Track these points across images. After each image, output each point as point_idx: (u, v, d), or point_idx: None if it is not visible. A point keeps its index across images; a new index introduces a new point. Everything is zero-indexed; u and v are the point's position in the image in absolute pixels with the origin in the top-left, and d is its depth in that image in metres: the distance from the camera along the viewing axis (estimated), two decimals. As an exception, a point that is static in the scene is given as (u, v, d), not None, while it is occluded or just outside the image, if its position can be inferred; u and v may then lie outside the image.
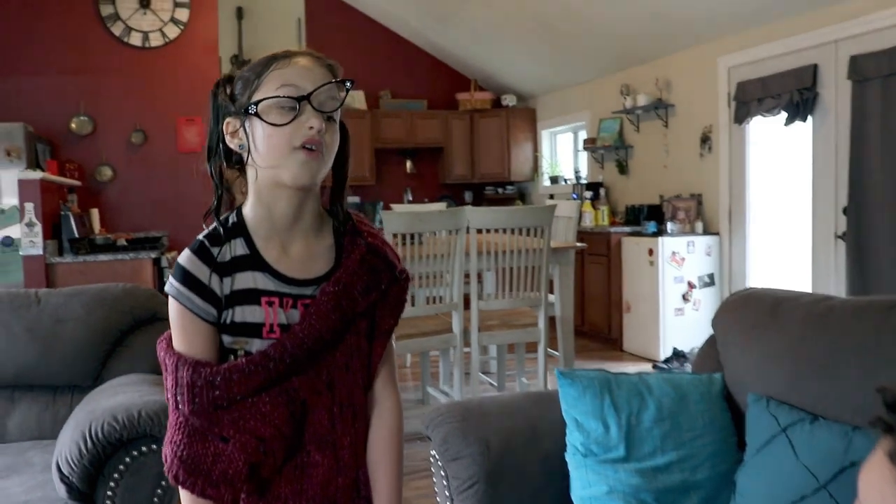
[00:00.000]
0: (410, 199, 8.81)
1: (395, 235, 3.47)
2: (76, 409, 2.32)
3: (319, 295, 1.19)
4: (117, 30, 6.38)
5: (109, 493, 2.06)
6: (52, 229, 5.19)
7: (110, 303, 2.72)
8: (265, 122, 1.15)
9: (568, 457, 1.75)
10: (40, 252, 4.93)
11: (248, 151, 1.19)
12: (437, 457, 1.87)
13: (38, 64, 6.35)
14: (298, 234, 1.23)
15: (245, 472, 1.16)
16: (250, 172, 1.22)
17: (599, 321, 6.39)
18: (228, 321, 1.19)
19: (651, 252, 5.53)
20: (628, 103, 6.44)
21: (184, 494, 1.19)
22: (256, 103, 1.16)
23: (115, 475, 2.07)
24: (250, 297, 1.19)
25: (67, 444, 2.08)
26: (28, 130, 5.66)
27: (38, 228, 4.87)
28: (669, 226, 5.70)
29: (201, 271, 1.20)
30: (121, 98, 6.54)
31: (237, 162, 1.25)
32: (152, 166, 6.64)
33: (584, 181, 7.34)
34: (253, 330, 1.19)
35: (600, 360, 5.85)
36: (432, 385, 4.67)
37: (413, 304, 3.59)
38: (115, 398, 2.21)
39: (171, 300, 1.21)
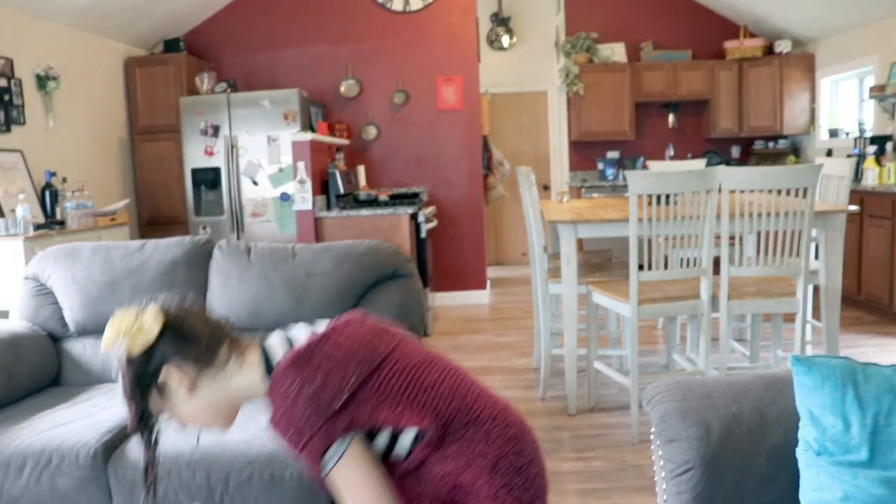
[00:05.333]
0: (672, 154, 8.44)
1: (639, 197, 3.32)
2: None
3: None
4: (381, -4, 6.73)
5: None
6: (322, 185, 5.64)
7: (355, 259, 2.91)
8: None
9: (799, 453, 1.57)
10: (310, 207, 5.38)
11: None
12: (654, 436, 1.78)
13: (312, 35, 6.90)
14: None
15: None
16: None
17: (879, 292, 5.69)
18: None
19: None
20: (928, 44, 5.59)
21: None
22: None
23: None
24: None
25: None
26: (302, 95, 6.19)
27: (309, 185, 5.31)
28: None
29: None
30: (384, 61, 6.91)
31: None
32: (413, 125, 6.97)
33: (867, 134, 6.52)
34: None
35: (874, 334, 5.24)
36: (679, 351, 4.47)
37: (652, 268, 3.43)
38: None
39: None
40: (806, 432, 1.57)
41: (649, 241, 3.43)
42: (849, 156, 6.49)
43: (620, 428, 3.65)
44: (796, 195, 3.43)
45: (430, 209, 6.31)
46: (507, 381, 4.50)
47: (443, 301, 6.98)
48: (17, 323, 3.04)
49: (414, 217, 5.75)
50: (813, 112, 7.77)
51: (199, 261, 3.04)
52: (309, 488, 2.15)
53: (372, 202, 5.88)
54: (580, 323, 4.61)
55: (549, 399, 4.13)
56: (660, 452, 1.76)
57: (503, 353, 5.14)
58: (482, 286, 7.08)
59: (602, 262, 4.60)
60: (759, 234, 3.74)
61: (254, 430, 2.30)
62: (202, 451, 2.21)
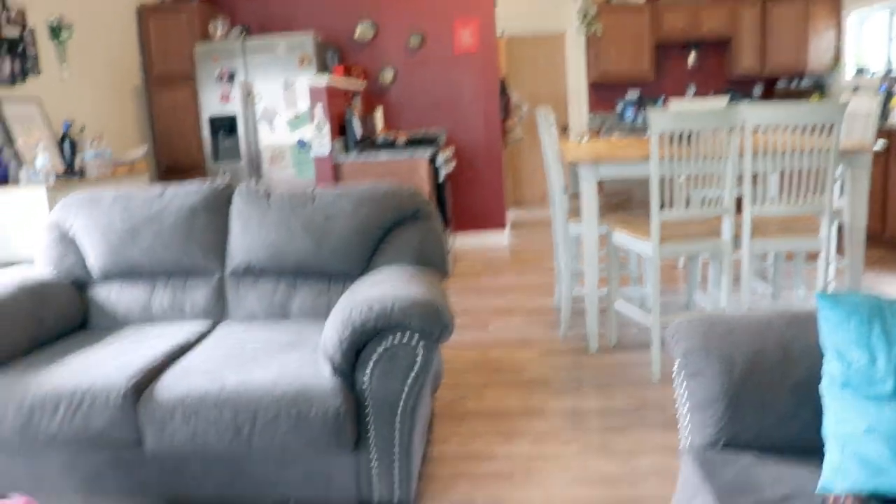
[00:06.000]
0: (694, 93, 8.31)
1: (661, 135, 3.28)
2: (341, 298, 2.53)
3: None
4: (396, -67, 6.59)
5: (366, 375, 2.24)
6: (339, 130, 5.60)
7: (374, 201, 2.90)
8: None
9: (822, 388, 1.57)
10: (328, 152, 5.36)
11: None
12: (677, 371, 1.78)
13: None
14: None
15: None
16: None
17: (904, 231, 5.63)
18: None
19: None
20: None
21: None
22: None
23: (371, 360, 2.23)
24: None
25: (331, 329, 2.28)
26: (317, 40, 6.10)
27: (326, 130, 5.28)
28: None
29: None
30: (399, 3, 6.80)
31: None
32: (430, 68, 6.88)
33: (896, 71, 6.37)
34: None
35: (900, 274, 5.19)
36: (700, 290, 4.46)
37: (674, 207, 3.40)
38: (374, 290, 2.36)
39: None
40: (830, 367, 1.56)
41: (670, 181, 3.39)
42: (875, 94, 6.35)
43: (641, 366, 3.67)
44: (821, 133, 3.37)
45: (449, 152, 6.27)
46: (528, 321, 4.52)
47: (462, 243, 7.00)
48: (42, 270, 3.07)
49: (432, 160, 5.72)
50: (838, 49, 7.58)
51: (219, 206, 3.05)
52: (335, 427, 2.18)
53: (390, 146, 5.85)
54: (600, 263, 4.60)
55: (570, 338, 4.15)
56: (683, 388, 1.76)
57: (524, 294, 5.16)
58: (501, 228, 7.07)
59: (622, 203, 4.57)
60: (782, 172, 3.69)
61: (278, 369, 2.33)
62: (229, 391, 2.25)
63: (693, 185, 4.41)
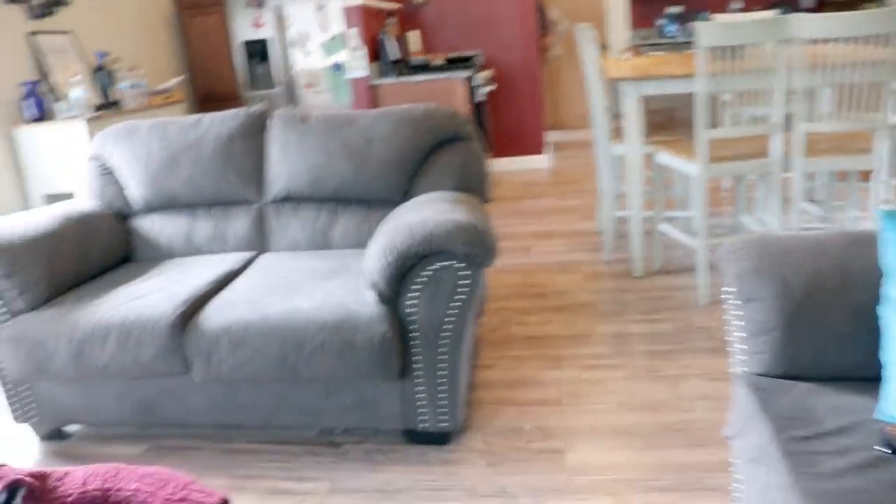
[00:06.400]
0: (740, 7, 7.97)
1: (708, 49, 3.13)
2: (382, 223, 2.51)
3: None
4: None
5: (410, 301, 2.23)
6: (374, 53, 5.49)
7: (413, 123, 2.84)
8: None
9: (881, 311, 1.51)
10: (364, 74, 5.27)
11: None
12: (730, 295, 1.73)
13: None
14: None
15: None
16: None
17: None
18: None
19: None
20: None
21: None
22: None
23: (416, 286, 2.22)
24: None
25: (374, 256, 2.26)
26: (349, -43, 5.91)
27: (362, 52, 5.18)
28: None
29: None
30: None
31: None
32: (465, -15, 6.65)
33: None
34: None
35: (958, 191, 5.00)
36: (748, 213, 4.35)
37: (721, 125, 3.28)
38: (416, 215, 2.33)
39: None
40: (891, 290, 1.50)
41: (717, 99, 3.26)
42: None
43: (687, 290, 3.62)
44: (877, 44, 3.19)
45: (486, 73, 6.12)
46: (570, 244, 4.47)
47: (502, 167, 6.90)
48: (85, 203, 3.09)
49: (469, 81, 5.59)
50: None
51: (256, 132, 3.02)
52: (381, 354, 2.19)
53: (426, 68, 5.72)
54: (645, 185, 4.49)
55: (614, 262, 4.10)
56: (736, 312, 1.71)
57: (565, 217, 5.09)
58: (541, 150, 6.95)
59: (665, 122, 4.43)
60: (835, 87, 3.52)
61: (322, 297, 2.33)
62: (274, 320, 2.25)
63: (741, 102, 4.25)
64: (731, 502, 1.97)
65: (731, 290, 1.70)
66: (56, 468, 1.38)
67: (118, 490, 1.28)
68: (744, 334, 1.68)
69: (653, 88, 3.59)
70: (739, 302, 1.68)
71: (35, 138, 4.14)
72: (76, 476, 1.32)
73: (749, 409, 1.54)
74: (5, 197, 4.17)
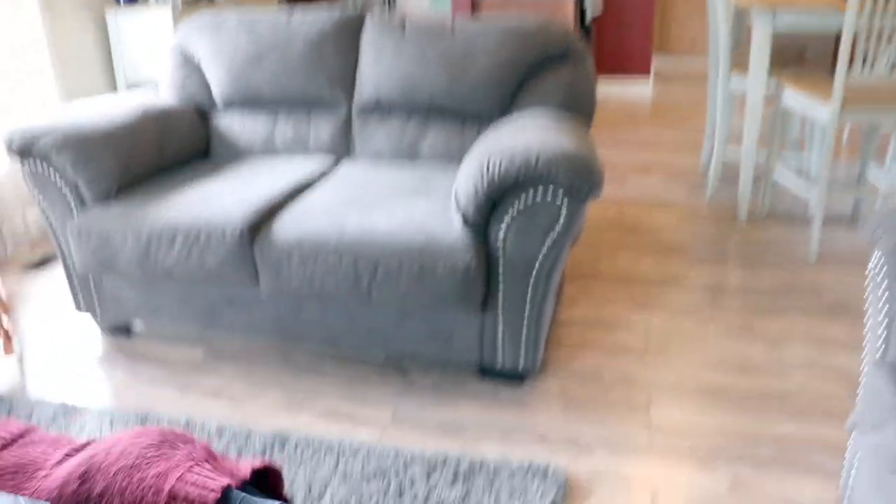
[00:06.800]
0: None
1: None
2: (478, 142, 2.30)
3: None
4: None
5: (501, 231, 2.04)
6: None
7: (520, 36, 2.58)
8: None
9: None
10: (466, -20, 4.95)
11: None
12: (878, 269, 1.48)
13: None
14: None
15: None
16: None
17: None
18: None
19: None
20: None
21: None
22: None
23: (508, 215, 2.02)
24: None
25: (465, 178, 2.07)
26: None
27: (466, -45, 4.85)
28: None
29: None
30: None
31: None
32: None
33: None
34: None
35: None
36: (877, 164, 3.95)
37: (865, 67, 2.91)
38: (516, 137, 2.11)
39: None
40: None
41: (862, 37, 2.89)
42: None
43: (796, 244, 3.31)
44: None
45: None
46: (669, 180, 4.17)
47: (601, 91, 6.52)
48: (165, 95, 2.97)
49: (580, 2, 5.21)
50: None
51: (350, 34, 2.81)
52: (462, 285, 2.02)
53: (532, -22, 5.36)
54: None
55: (716, 204, 3.79)
56: (883, 290, 1.46)
57: (666, 151, 4.76)
58: (646, 75, 6.52)
59: (795, 58, 4.02)
60: None
61: (403, 216, 2.16)
62: (349, 237, 2.10)
63: (887, 41, 3.79)
64: (840, 490, 1.76)
65: (881, 264, 1.45)
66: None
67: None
68: (890, 315, 1.43)
69: (788, 20, 3.21)
70: (889, 279, 1.43)
71: (126, 22, 4.03)
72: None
73: (886, 401, 1.31)
74: (95, 81, 4.10)
